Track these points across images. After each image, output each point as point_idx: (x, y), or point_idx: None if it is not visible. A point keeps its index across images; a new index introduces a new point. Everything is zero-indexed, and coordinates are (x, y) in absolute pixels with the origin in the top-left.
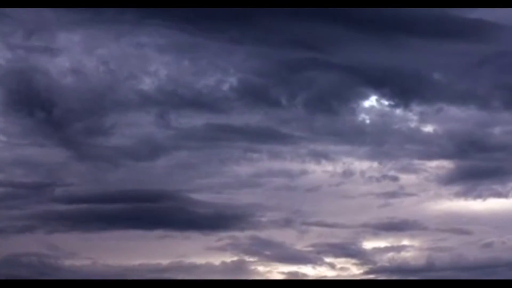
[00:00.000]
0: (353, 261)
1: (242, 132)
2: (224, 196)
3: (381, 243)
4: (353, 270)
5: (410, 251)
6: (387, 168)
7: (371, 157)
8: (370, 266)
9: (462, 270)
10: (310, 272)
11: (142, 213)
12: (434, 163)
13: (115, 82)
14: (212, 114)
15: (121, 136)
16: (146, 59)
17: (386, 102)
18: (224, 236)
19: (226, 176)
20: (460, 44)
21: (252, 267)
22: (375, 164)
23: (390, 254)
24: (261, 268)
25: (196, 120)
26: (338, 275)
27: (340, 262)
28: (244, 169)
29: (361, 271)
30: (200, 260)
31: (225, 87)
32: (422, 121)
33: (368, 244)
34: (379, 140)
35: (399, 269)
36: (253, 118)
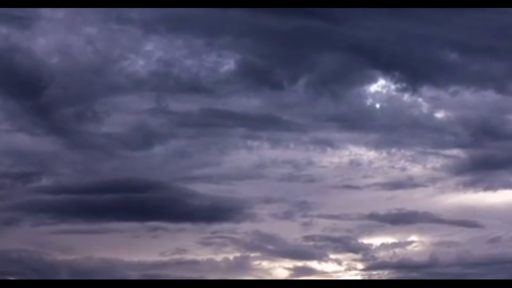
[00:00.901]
0: (356, 256)
1: (241, 118)
2: (222, 187)
3: (388, 237)
4: (357, 265)
5: (416, 246)
6: (396, 157)
7: (379, 145)
8: (374, 261)
9: (467, 267)
10: (317, 266)
11: (135, 204)
12: (445, 152)
13: (104, 63)
14: (209, 98)
15: (113, 123)
16: (136, 39)
17: (395, 86)
18: (223, 229)
19: (224, 166)
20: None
21: (256, 262)
22: (383, 153)
23: (397, 249)
24: (265, 264)
25: (192, 105)
26: (344, 270)
27: (344, 257)
28: (243, 158)
29: (363, 266)
30: (199, 255)
31: (223, 69)
32: (434, 106)
33: (374, 239)
34: (388, 128)
35: (403, 264)
36: (253, 103)
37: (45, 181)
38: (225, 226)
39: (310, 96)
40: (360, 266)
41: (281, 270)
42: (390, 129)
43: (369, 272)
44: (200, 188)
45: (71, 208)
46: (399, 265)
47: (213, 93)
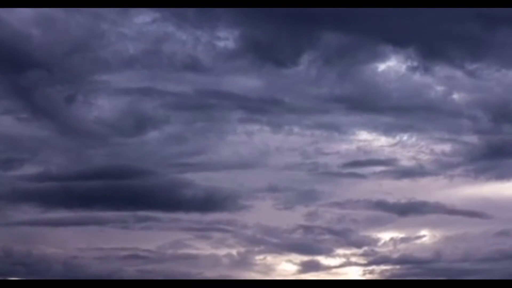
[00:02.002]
0: (360, 250)
1: (239, 99)
2: (218, 176)
3: (396, 230)
4: (359, 260)
5: (423, 240)
6: (408, 144)
7: (389, 130)
8: (380, 256)
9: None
10: (323, 261)
11: (123, 192)
12: (462, 138)
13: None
14: (205, 78)
15: (102, 106)
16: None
17: (407, 65)
18: (221, 221)
19: (221, 152)
20: None
21: (261, 257)
22: (394, 139)
23: (405, 244)
24: (270, 259)
25: (187, 86)
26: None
27: (350, 252)
28: (242, 144)
29: (366, 260)
30: (199, 249)
31: (220, 45)
32: (450, 87)
33: (382, 232)
34: (400, 111)
35: (408, 260)
36: (253, 83)
37: (30, 168)
38: (222, 217)
39: (315, 76)
40: (365, 261)
41: (287, 265)
42: (403, 112)
43: (378, 267)
44: (196, 176)
45: (57, 197)
46: (405, 260)
47: (209, 72)
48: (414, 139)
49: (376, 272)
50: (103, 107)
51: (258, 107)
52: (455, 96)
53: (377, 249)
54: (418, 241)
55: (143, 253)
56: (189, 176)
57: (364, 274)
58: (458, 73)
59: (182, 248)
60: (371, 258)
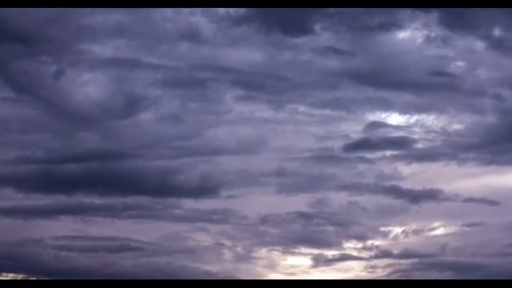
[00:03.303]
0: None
1: (236, 73)
2: (214, 161)
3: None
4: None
5: (436, 231)
6: (424, 125)
7: (404, 109)
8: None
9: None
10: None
11: (111, 177)
12: (482, 119)
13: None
14: (201, 49)
15: (88, 83)
16: None
17: (428, 33)
18: (216, 209)
19: (217, 135)
20: None
21: (263, 250)
22: (411, 119)
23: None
24: (274, 253)
25: (181, 59)
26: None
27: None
28: (239, 126)
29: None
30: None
31: (217, 14)
32: (474, 62)
33: (393, 222)
34: (417, 87)
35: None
36: (254, 56)
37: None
38: (220, 204)
39: (323, 46)
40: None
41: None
42: (420, 89)
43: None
44: (190, 161)
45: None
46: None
47: (204, 43)
48: (431, 119)
49: (382, 267)
50: (89, 85)
51: (257, 84)
52: (477, 71)
53: (386, 242)
54: (431, 233)
55: (135, 244)
56: (183, 160)
57: (369, 269)
58: (482, 45)
59: (177, 241)
60: (377, 252)
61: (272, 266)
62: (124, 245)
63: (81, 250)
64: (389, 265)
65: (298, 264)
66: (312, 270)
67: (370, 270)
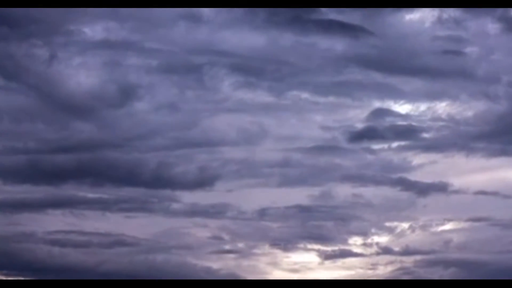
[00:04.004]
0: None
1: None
2: (210, 152)
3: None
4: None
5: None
6: (435, 114)
7: (413, 96)
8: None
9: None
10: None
11: (105, 168)
12: (495, 108)
13: None
14: (199, 31)
15: (81, 71)
16: None
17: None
18: (215, 205)
19: (212, 125)
20: None
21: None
22: (420, 107)
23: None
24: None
25: (175, 42)
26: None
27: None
28: (238, 115)
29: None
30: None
31: None
32: (488, 46)
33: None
34: (427, 73)
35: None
36: (250, 40)
37: None
38: (219, 198)
39: (326, 30)
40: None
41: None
42: (433, 75)
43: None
44: (186, 152)
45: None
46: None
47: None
48: (441, 107)
49: (385, 264)
50: (81, 71)
51: (257, 69)
52: (492, 56)
53: (391, 238)
54: (439, 229)
55: (131, 240)
56: (179, 151)
57: (371, 266)
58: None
59: (174, 236)
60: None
61: (274, 263)
62: (118, 240)
63: (75, 246)
64: (393, 262)
65: (300, 261)
66: (316, 267)
67: (372, 267)
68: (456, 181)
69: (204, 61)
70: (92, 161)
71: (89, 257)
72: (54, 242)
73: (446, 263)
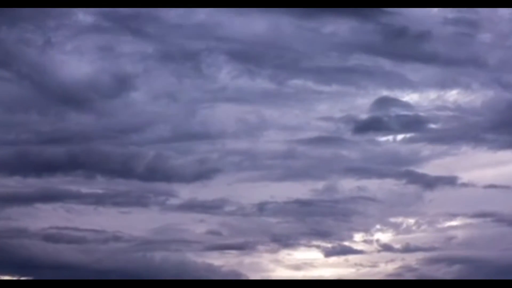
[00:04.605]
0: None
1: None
2: (209, 144)
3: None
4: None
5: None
6: (443, 103)
7: (424, 84)
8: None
9: None
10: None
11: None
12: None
13: None
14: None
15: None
16: None
17: None
18: (215, 199)
19: (210, 117)
20: None
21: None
22: (428, 96)
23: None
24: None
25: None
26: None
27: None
28: (237, 105)
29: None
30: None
31: None
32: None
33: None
34: (437, 59)
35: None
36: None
37: None
38: (218, 192)
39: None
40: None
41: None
42: (448, 61)
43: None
44: (183, 145)
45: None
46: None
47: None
48: (450, 97)
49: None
50: (74, 58)
51: (257, 56)
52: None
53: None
54: (447, 224)
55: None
56: (176, 144)
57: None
58: None
59: (172, 232)
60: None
61: (277, 261)
62: (114, 237)
63: (68, 242)
64: (396, 260)
65: (303, 258)
66: (319, 264)
67: (376, 264)
68: (465, 174)
69: (201, 47)
70: (85, 153)
71: (84, 254)
72: (47, 238)
73: (450, 260)
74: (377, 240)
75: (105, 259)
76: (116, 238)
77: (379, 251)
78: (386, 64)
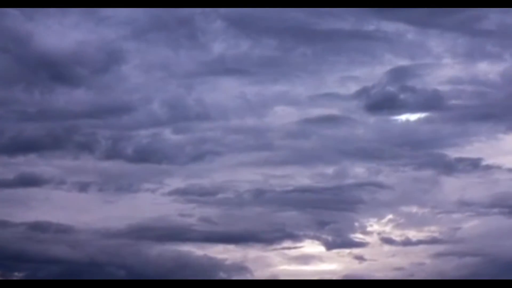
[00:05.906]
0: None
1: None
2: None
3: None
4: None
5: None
6: (468, 77)
7: (445, 55)
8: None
9: None
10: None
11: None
12: None
13: None
14: None
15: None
16: None
17: None
18: (215, 184)
19: (208, 95)
20: None
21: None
22: (452, 69)
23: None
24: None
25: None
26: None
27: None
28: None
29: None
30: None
31: None
32: None
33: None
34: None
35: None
36: None
37: None
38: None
39: None
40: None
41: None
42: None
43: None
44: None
45: None
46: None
47: None
48: (477, 69)
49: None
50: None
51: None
52: None
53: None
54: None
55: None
56: (171, 124)
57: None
58: None
59: (169, 221)
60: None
61: (281, 254)
62: (102, 228)
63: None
64: (409, 253)
65: (308, 252)
66: (323, 257)
67: (385, 257)
68: (490, 157)
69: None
70: (69, 132)
71: (70, 246)
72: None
73: (460, 254)
74: (391, 232)
75: (95, 254)
76: (106, 229)
77: (391, 243)
78: (405, 29)
